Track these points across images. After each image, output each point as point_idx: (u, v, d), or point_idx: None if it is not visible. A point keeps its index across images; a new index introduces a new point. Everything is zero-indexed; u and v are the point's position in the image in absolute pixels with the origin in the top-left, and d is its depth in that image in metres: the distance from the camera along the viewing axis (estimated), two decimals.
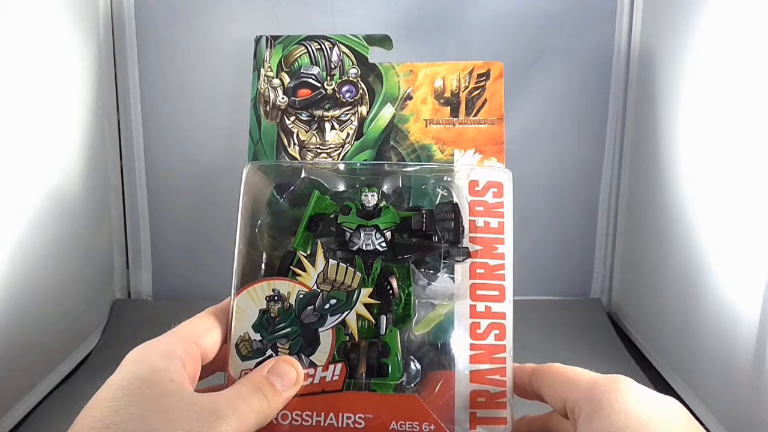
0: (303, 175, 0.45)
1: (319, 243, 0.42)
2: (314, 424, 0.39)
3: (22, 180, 0.54)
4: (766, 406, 0.42)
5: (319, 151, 0.49)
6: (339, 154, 0.48)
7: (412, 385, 0.41)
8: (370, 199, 0.44)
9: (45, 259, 0.57)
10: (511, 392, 0.40)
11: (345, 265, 0.42)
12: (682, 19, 0.60)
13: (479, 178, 0.43)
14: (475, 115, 0.48)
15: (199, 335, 0.39)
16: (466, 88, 0.49)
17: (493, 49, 0.75)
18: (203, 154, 0.67)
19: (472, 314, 0.41)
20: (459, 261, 0.42)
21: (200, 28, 0.75)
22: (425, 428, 0.39)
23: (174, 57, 0.76)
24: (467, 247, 0.42)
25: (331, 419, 0.39)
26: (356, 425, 0.39)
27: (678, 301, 0.57)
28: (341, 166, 0.46)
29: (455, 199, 0.43)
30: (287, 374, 0.39)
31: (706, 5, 0.55)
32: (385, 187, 0.45)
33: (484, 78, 0.49)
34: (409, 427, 0.39)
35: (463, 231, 0.42)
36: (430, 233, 0.42)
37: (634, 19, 0.74)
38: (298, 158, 0.48)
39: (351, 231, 0.43)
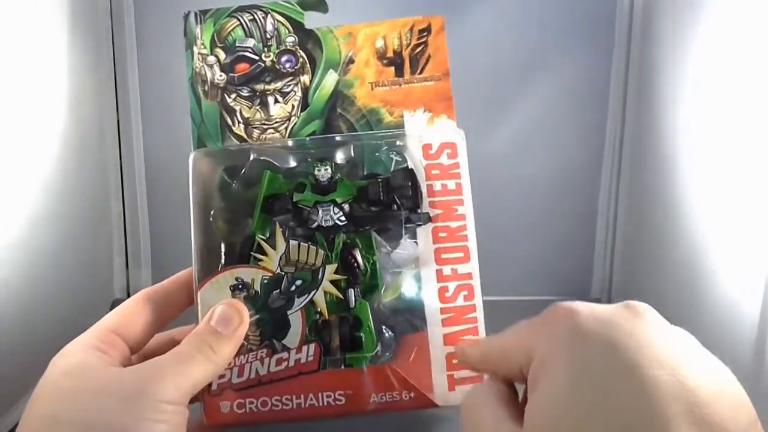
0: (252, 156, 0.44)
1: (277, 224, 0.41)
2: (294, 407, 0.39)
3: (20, 180, 0.54)
4: (766, 406, 0.44)
5: (265, 126, 0.47)
6: (286, 128, 0.47)
7: (388, 354, 0.41)
8: (324, 173, 0.43)
9: (44, 259, 0.57)
10: None
11: (306, 244, 0.41)
12: (684, 19, 0.60)
13: (432, 141, 0.42)
14: (421, 72, 0.47)
15: (119, 325, 0.40)
16: (408, 45, 0.48)
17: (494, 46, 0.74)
18: None
19: (439, 278, 0.41)
20: (420, 225, 0.41)
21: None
22: (405, 396, 0.39)
23: (174, 56, 0.74)
24: (427, 213, 0.41)
25: (311, 400, 0.39)
26: (337, 402, 0.39)
27: (678, 301, 0.58)
28: (290, 143, 0.44)
29: (410, 165, 0.42)
30: (229, 318, 0.38)
31: (707, 5, 0.56)
32: (338, 159, 0.44)
33: (426, 33, 0.48)
34: (389, 398, 0.39)
35: (421, 196, 0.41)
36: (388, 202, 0.42)
37: (634, 19, 0.73)
38: (244, 136, 0.46)
39: (308, 208, 0.42)
